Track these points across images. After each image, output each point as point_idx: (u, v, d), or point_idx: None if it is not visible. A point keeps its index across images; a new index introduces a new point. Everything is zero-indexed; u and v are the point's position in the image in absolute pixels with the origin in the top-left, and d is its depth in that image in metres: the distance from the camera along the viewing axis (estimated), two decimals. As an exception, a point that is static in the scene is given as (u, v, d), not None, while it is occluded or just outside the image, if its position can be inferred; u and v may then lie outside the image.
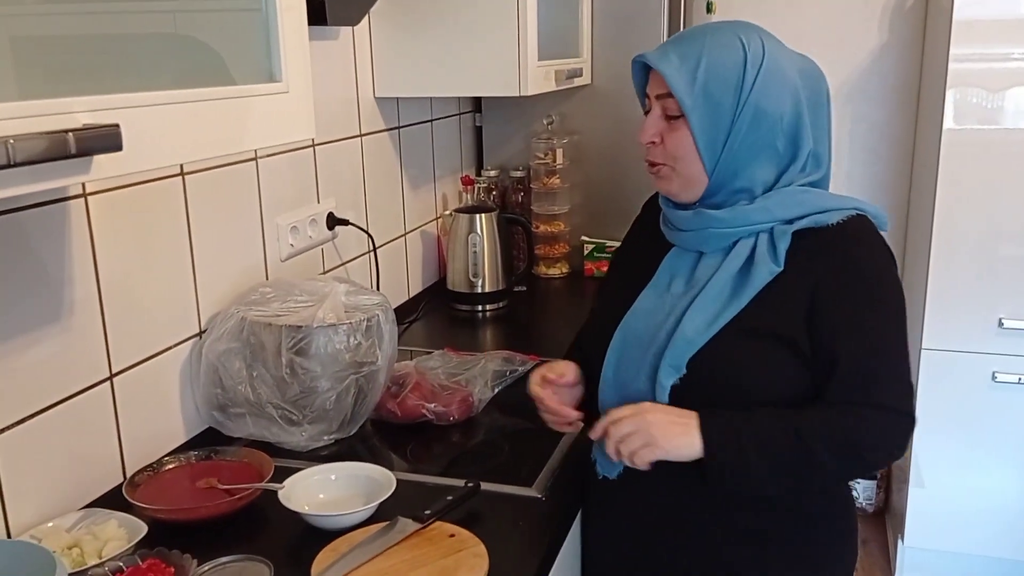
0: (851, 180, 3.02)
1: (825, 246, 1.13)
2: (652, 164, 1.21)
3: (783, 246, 1.13)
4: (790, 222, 1.15)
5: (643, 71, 1.21)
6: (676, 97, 1.13)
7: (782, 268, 1.12)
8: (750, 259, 1.14)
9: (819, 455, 1.08)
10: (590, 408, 1.27)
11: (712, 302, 1.14)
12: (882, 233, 1.17)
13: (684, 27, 2.47)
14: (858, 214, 1.16)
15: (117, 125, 0.74)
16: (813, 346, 1.11)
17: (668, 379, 1.13)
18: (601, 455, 1.22)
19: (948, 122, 2.44)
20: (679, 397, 1.13)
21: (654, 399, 1.14)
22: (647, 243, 1.29)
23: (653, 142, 1.19)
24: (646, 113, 1.21)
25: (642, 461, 1.11)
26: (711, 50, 1.14)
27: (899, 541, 2.74)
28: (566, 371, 1.30)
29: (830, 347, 1.11)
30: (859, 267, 1.12)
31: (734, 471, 1.09)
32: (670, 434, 1.10)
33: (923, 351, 2.57)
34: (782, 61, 1.15)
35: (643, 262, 1.26)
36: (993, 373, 2.53)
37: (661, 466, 1.12)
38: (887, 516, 3.05)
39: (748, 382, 1.12)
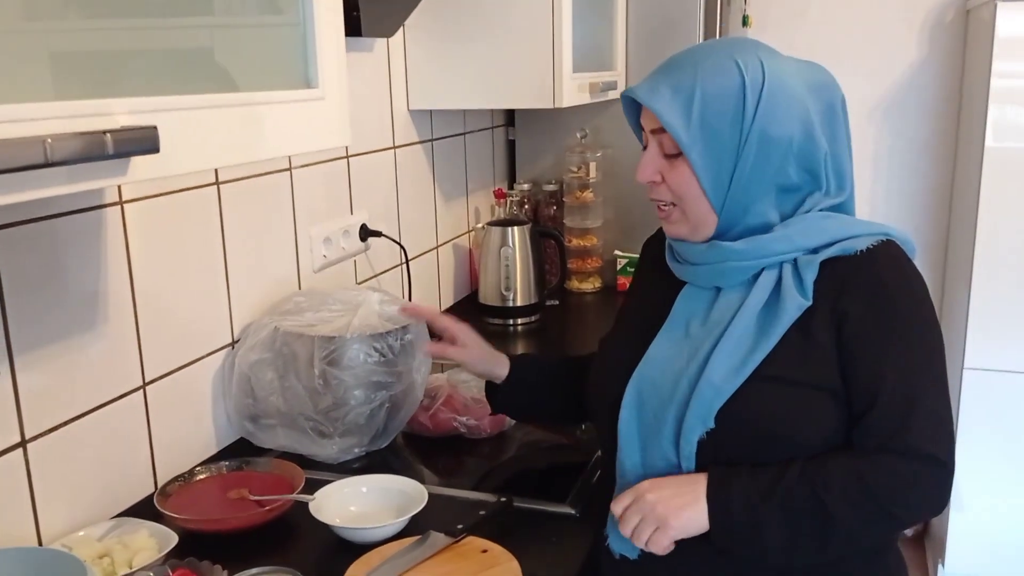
0: (889, 197, 2.97)
1: (852, 275, 1.03)
2: (659, 206, 1.12)
3: (810, 277, 1.04)
4: (815, 251, 1.05)
5: (634, 104, 1.12)
6: (672, 134, 1.04)
7: (811, 302, 1.03)
8: (775, 293, 1.05)
9: (840, 514, 0.97)
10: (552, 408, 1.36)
11: (738, 343, 1.03)
12: (913, 257, 1.08)
13: (720, 41, 2.45)
14: (887, 239, 1.06)
15: (155, 127, 0.74)
16: (848, 386, 1.02)
17: (694, 434, 1.02)
18: (615, 531, 1.09)
19: (989, 140, 2.39)
20: (707, 454, 1.03)
21: (679, 458, 1.04)
22: (654, 285, 1.19)
23: (654, 181, 1.09)
24: (644, 148, 1.12)
25: (659, 547, 1.01)
26: (705, 78, 1.04)
27: (939, 566, 2.67)
28: (468, 342, 1.32)
29: (866, 387, 1.01)
30: (890, 296, 1.03)
31: (744, 540, 0.99)
32: (676, 508, 1.00)
33: (965, 370, 2.51)
34: (786, 79, 1.05)
35: (652, 305, 1.16)
36: (1037, 394, 2.46)
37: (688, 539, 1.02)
38: (926, 540, 2.98)
39: (785, 434, 1.01)
